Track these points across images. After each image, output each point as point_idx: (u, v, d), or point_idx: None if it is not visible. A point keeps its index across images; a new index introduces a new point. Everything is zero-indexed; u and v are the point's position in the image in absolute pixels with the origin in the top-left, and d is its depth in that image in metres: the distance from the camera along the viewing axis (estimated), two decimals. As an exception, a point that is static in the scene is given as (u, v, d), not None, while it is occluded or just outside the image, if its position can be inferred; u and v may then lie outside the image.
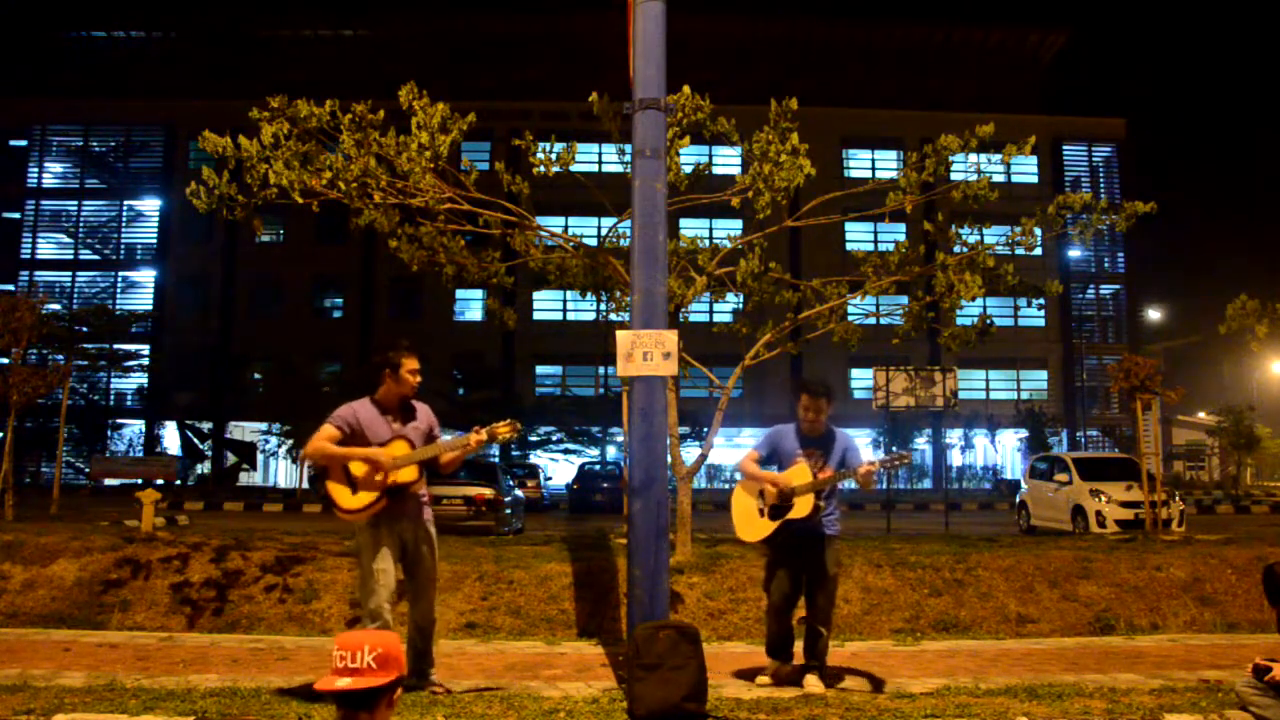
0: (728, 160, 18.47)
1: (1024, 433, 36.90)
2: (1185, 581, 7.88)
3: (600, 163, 29.08)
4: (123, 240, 41.06)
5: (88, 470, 31.46)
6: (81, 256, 41.12)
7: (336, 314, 40.92)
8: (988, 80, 42.69)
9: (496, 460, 23.13)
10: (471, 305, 39.74)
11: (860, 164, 40.82)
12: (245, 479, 36.13)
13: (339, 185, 7.34)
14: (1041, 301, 34.84)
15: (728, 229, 17.86)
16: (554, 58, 41.21)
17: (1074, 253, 40.56)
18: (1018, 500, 18.02)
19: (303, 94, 7.48)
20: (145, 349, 37.06)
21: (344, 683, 2.20)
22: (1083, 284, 41.89)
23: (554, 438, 35.02)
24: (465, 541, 9.21)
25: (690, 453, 9.29)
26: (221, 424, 38.16)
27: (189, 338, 38.38)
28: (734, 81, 32.90)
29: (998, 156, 8.17)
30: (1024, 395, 39.37)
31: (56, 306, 34.36)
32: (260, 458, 36.08)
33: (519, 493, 18.70)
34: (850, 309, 9.13)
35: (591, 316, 12.23)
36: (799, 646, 5.40)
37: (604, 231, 9.00)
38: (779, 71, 40.45)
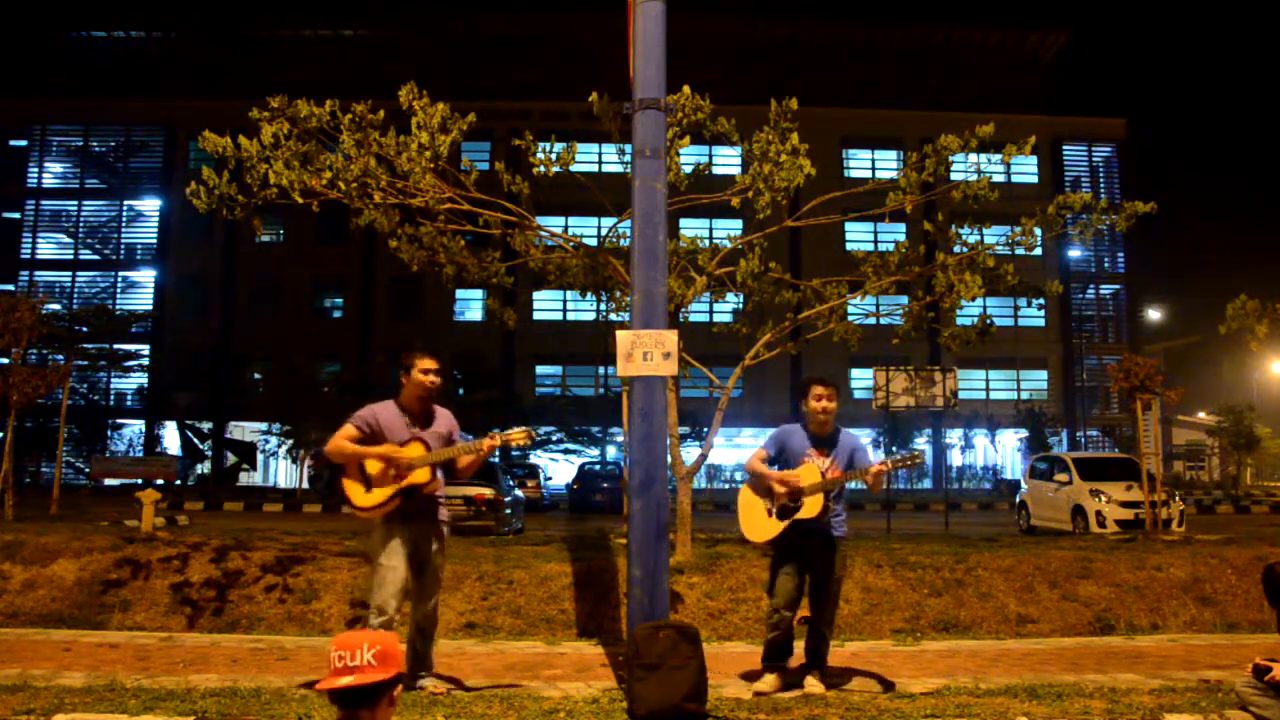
0: (728, 160, 18.46)
1: (1024, 433, 36.90)
2: (1185, 581, 7.88)
3: (600, 163, 29.07)
4: (123, 240, 41.05)
5: (88, 470, 31.45)
6: (81, 256, 41.11)
7: (336, 314, 40.91)
8: (988, 80, 42.69)
9: (497, 460, 23.12)
10: (471, 305, 39.74)
11: (860, 164, 40.82)
12: (245, 479, 36.13)
13: (339, 185, 7.34)
14: (1041, 301, 34.83)
15: (728, 229, 17.85)
16: (554, 58, 41.21)
17: (1074, 253, 40.56)
18: (1018, 500, 18.01)
19: (303, 94, 7.47)
20: (145, 349, 37.05)
21: (345, 680, 2.20)
22: (1083, 284, 41.89)
23: (554, 438, 35.02)
24: (465, 541, 9.20)
25: (690, 453, 9.29)
26: (221, 424, 38.16)
27: (189, 338, 38.38)
28: (734, 81, 32.89)
29: (998, 156, 8.17)
30: (1024, 395, 39.37)
31: (56, 306, 34.35)
32: (260, 458, 36.07)
33: (519, 493, 18.70)
34: (850, 309, 9.13)
35: (591, 316, 12.22)
36: (798, 647, 5.39)
37: (604, 231, 9.00)
38: (779, 71, 40.46)
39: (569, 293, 19.03)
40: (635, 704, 4.60)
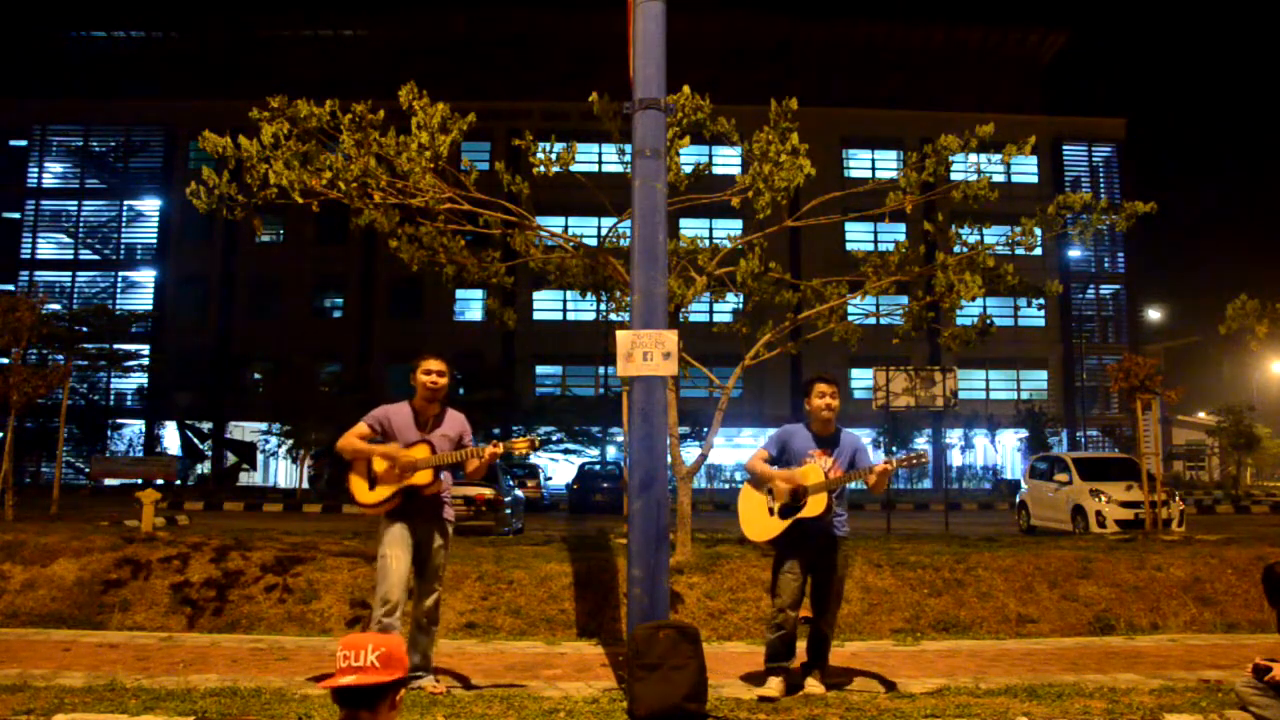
0: (728, 160, 18.46)
1: (1024, 433, 36.88)
2: (1185, 581, 7.88)
3: (600, 163, 29.10)
4: (123, 240, 41.02)
5: (88, 470, 31.44)
6: (81, 256, 41.09)
7: (336, 314, 40.89)
8: (988, 80, 42.71)
9: (497, 461, 23.12)
10: (471, 305, 39.74)
11: (860, 164, 40.81)
12: (245, 479, 36.13)
13: (339, 185, 7.34)
14: (1041, 301, 34.86)
15: (728, 229, 17.86)
16: (554, 58, 41.22)
17: (1074, 253, 40.56)
18: (1018, 500, 18.01)
19: (303, 94, 7.48)
20: (145, 349, 37.02)
21: (348, 680, 2.22)
22: (1083, 284, 41.87)
23: (554, 438, 35.01)
24: (465, 541, 9.20)
25: (690, 453, 9.30)
26: (221, 424, 38.17)
27: (189, 338, 38.37)
28: (734, 81, 32.88)
29: (998, 156, 8.17)
30: (1024, 395, 39.36)
31: (56, 306, 34.36)
32: (260, 458, 36.06)
33: (519, 493, 18.71)
34: (850, 309, 9.13)
35: (591, 316, 12.24)
36: (799, 647, 5.38)
37: (604, 231, 8.99)
38: (779, 71, 40.49)
39: (569, 293, 19.06)
40: (635, 704, 4.60)
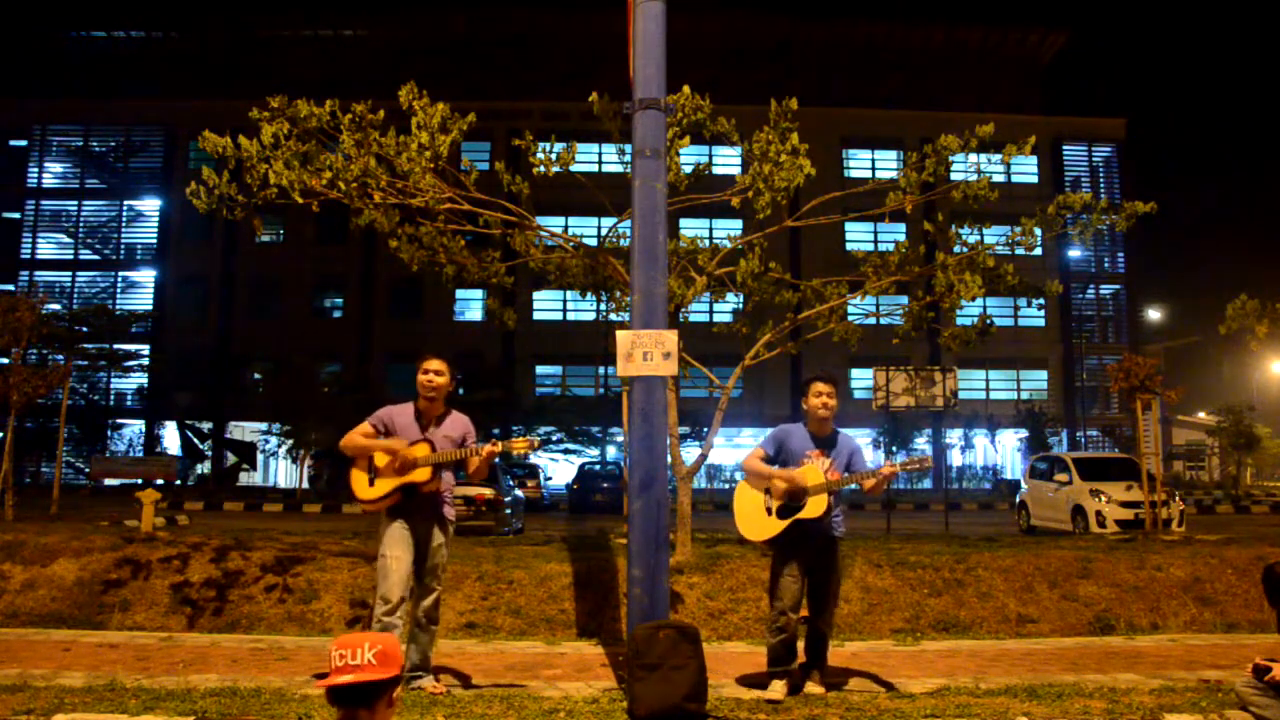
0: (728, 160, 18.46)
1: (1024, 433, 36.88)
2: (1185, 581, 7.88)
3: (600, 163, 29.10)
4: (123, 240, 41.01)
5: (88, 470, 31.44)
6: (81, 256, 41.08)
7: (336, 314, 40.89)
8: (988, 80, 42.71)
9: (497, 461, 23.13)
10: (471, 305, 39.74)
11: (860, 164, 40.81)
12: (245, 479, 36.13)
13: (339, 185, 7.34)
14: (1041, 301, 34.86)
15: (728, 229, 17.86)
16: (554, 58, 41.22)
17: (1074, 253, 40.55)
18: (1018, 500, 18.01)
19: (303, 94, 7.48)
20: (145, 349, 37.02)
21: (345, 679, 2.23)
22: (1083, 284, 41.87)
23: (554, 438, 35.01)
24: (465, 541, 9.21)
25: (690, 453, 9.30)
26: (221, 424, 38.16)
27: (189, 338, 38.37)
28: (734, 81, 32.89)
29: (998, 156, 8.17)
30: (1024, 395, 39.36)
31: (56, 306, 34.35)
32: (260, 458, 36.05)
33: (519, 493, 18.70)
34: (850, 309, 9.13)
35: (591, 316, 12.23)
36: (799, 647, 5.38)
37: (604, 231, 8.99)
38: (779, 71, 40.49)
39: (569, 293, 19.05)
40: (635, 704, 4.60)
